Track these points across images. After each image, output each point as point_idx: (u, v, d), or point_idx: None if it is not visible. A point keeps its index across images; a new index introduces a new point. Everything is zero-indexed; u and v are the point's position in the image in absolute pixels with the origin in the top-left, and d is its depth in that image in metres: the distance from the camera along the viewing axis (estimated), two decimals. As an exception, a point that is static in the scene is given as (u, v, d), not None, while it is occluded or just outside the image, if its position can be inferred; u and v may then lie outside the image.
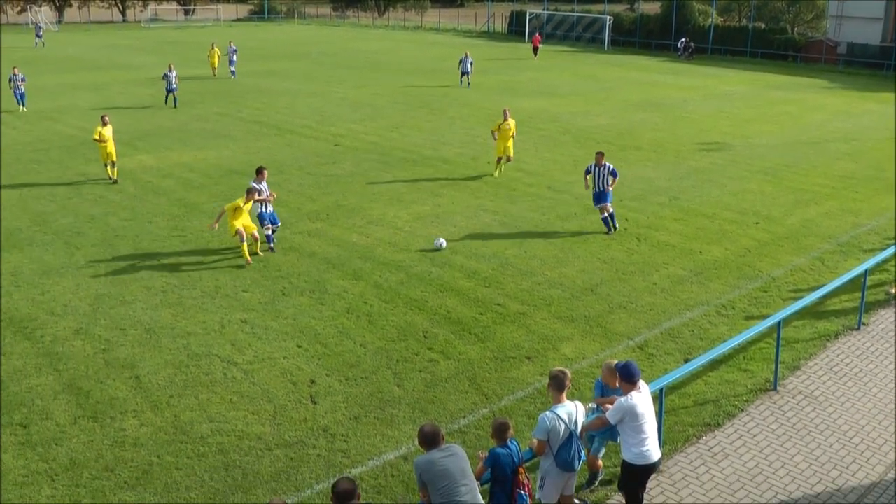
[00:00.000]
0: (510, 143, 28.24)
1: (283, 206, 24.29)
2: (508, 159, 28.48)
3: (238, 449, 12.44)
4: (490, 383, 14.40)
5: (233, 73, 54.62)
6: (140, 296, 18.18)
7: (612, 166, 22.13)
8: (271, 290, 18.33)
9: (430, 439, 8.93)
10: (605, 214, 22.24)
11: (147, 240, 21.81)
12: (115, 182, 27.36)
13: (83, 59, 65.77)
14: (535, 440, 9.93)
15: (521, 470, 9.58)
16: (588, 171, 22.46)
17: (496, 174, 28.41)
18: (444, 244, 20.88)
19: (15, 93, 41.37)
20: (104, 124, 27.39)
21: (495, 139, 28.49)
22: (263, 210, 20.67)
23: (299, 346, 15.68)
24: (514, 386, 14.34)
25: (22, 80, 41.31)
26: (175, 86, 42.56)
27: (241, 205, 19.71)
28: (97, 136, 27.24)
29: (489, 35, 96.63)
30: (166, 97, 42.95)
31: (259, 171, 20.83)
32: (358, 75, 56.55)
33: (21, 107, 41.23)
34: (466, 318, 16.99)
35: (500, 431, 9.53)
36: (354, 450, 12.41)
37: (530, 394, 14.07)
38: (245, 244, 19.72)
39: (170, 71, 42.16)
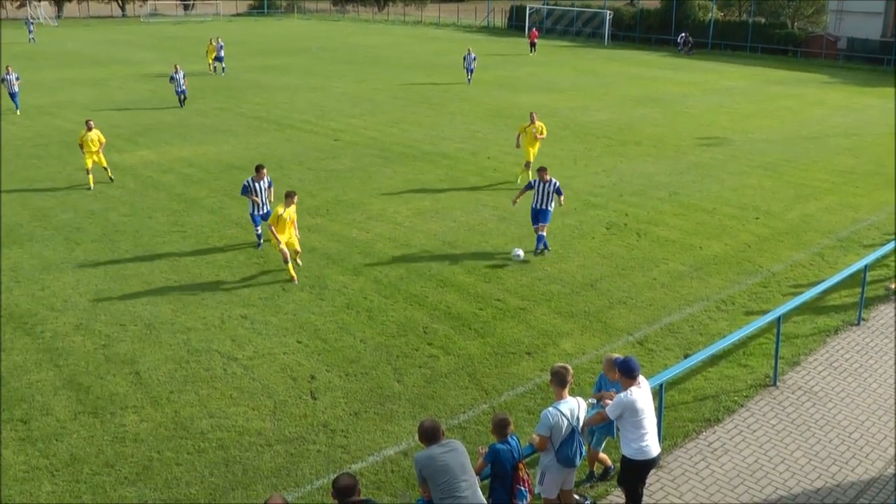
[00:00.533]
0: (536, 147, 26.60)
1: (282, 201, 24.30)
2: (528, 164, 26.61)
3: (238, 444, 12.46)
4: (490, 379, 14.41)
5: (214, 68, 53.96)
6: (140, 291, 18.19)
7: (557, 183, 20.07)
8: (271, 285, 18.33)
9: (430, 435, 8.93)
10: (542, 233, 20.29)
11: (147, 235, 21.81)
12: (112, 180, 26.96)
13: (82, 55, 65.69)
14: (536, 436, 9.93)
15: (521, 466, 9.60)
16: (530, 186, 20.36)
17: (518, 181, 26.62)
18: (522, 255, 19.67)
19: (10, 93, 39.99)
20: (88, 129, 26.40)
21: (518, 145, 26.99)
22: (256, 212, 20.41)
23: (299, 342, 15.70)
24: (514, 381, 14.35)
25: (16, 80, 39.99)
26: (184, 87, 41.16)
27: (281, 212, 18.25)
28: (80, 141, 26.45)
29: (489, 30, 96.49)
30: (179, 99, 41.55)
31: (257, 170, 20.35)
32: (357, 70, 56.49)
33: (17, 109, 39.89)
34: (466, 313, 16.99)
35: (501, 427, 9.54)
36: (354, 445, 12.43)
37: (530, 389, 14.08)
38: (290, 264, 18.56)
39: (176, 72, 40.92)
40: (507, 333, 16.14)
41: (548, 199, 19.98)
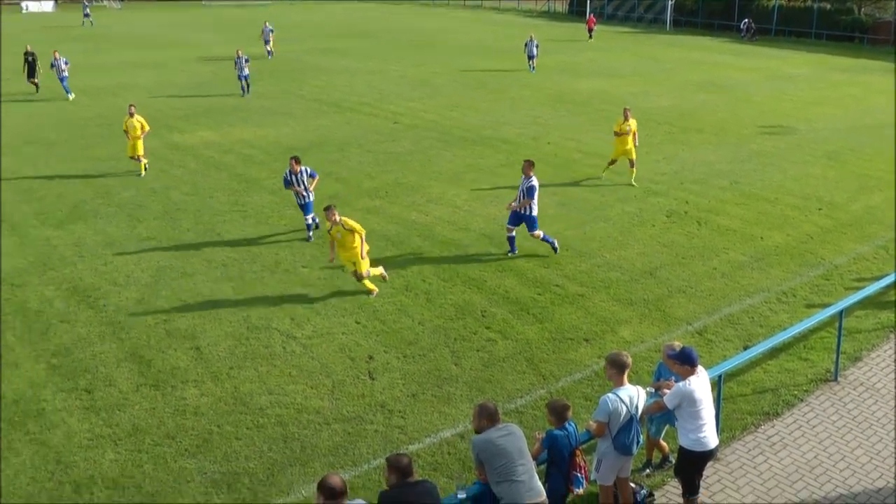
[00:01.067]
0: (630, 145, 24.78)
1: (343, 184, 24.52)
2: (632, 163, 25.00)
3: (296, 422, 12.62)
4: (548, 364, 14.39)
5: (269, 53, 53.82)
6: (201, 268, 18.47)
7: (533, 183, 18.42)
8: (330, 266, 18.40)
9: (488, 417, 8.95)
10: (546, 238, 19.06)
11: (208, 214, 22.12)
12: (139, 175, 26.05)
13: (145, 37, 66.61)
14: (593, 422, 9.89)
15: (578, 452, 9.59)
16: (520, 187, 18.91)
17: (603, 175, 25.54)
18: None
19: (60, 78, 39.95)
20: (130, 115, 26.00)
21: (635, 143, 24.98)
22: (301, 201, 20.12)
23: (357, 322, 15.82)
24: (572, 367, 14.30)
25: (66, 64, 39.85)
26: (247, 72, 40.23)
27: (328, 228, 16.71)
28: (125, 127, 26.14)
29: (550, 15, 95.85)
30: (241, 85, 40.50)
31: (291, 161, 19.97)
32: (417, 54, 56.50)
33: (69, 95, 39.84)
34: (525, 298, 16.96)
35: (559, 412, 9.54)
36: (411, 426, 12.51)
37: (588, 376, 14.02)
38: (365, 280, 16.84)
39: (238, 57, 40.20)
40: (566, 319, 16.09)
41: (520, 199, 18.58)
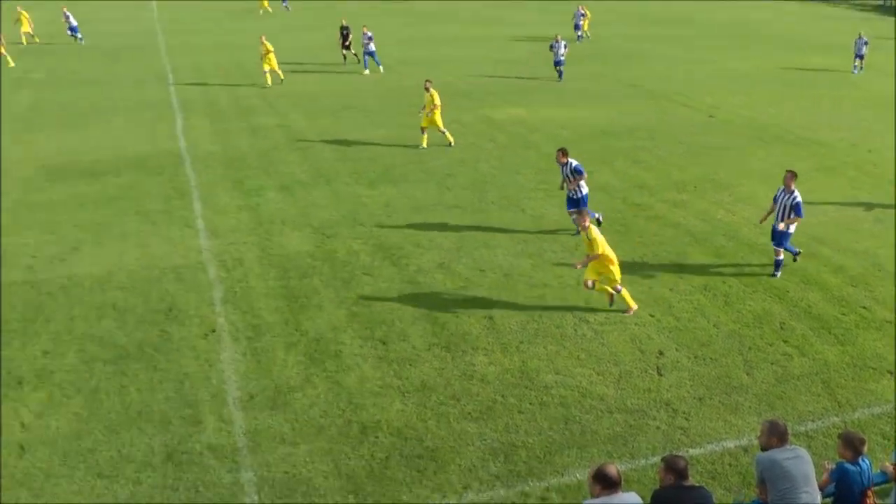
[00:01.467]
0: None
1: (651, 172, 24.32)
2: None
3: (579, 405, 12.67)
4: (845, 391, 13.44)
5: (580, 36, 53.97)
6: (502, 241, 18.95)
7: (797, 197, 16.98)
8: (630, 255, 18.20)
9: (779, 434, 8.63)
10: (778, 257, 17.50)
11: (513, 189, 22.60)
12: (450, 145, 27.11)
13: (465, 15, 68.61)
14: (891, 465, 9.20)
15: (869, 493, 8.94)
16: (775, 199, 17.43)
17: None
18: None
19: (365, 53, 41.56)
20: (426, 90, 26.66)
21: None
22: (571, 193, 19.18)
23: (652, 316, 15.60)
24: (871, 399, 13.24)
25: (369, 40, 41.15)
26: (562, 57, 40.01)
27: (576, 232, 16.23)
28: (425, 101, 26.79)
29: (884, 9, 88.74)
30: (557, 70, 40.47)
31: (557, 151, 19.30)
32: (739, 46, 54.40)
33: (369, 68, 41.46)
34: (828, 315, 15.96)
35: (854, 445, 8.94)
36: (694, 430, 12.19)
37: (888, 412, 12.89)
38: (615, 294, 15.62)
39: (556, 42, 40.27)
40: (870, 346, 14.92)
41: (784, 213, 17.15)
